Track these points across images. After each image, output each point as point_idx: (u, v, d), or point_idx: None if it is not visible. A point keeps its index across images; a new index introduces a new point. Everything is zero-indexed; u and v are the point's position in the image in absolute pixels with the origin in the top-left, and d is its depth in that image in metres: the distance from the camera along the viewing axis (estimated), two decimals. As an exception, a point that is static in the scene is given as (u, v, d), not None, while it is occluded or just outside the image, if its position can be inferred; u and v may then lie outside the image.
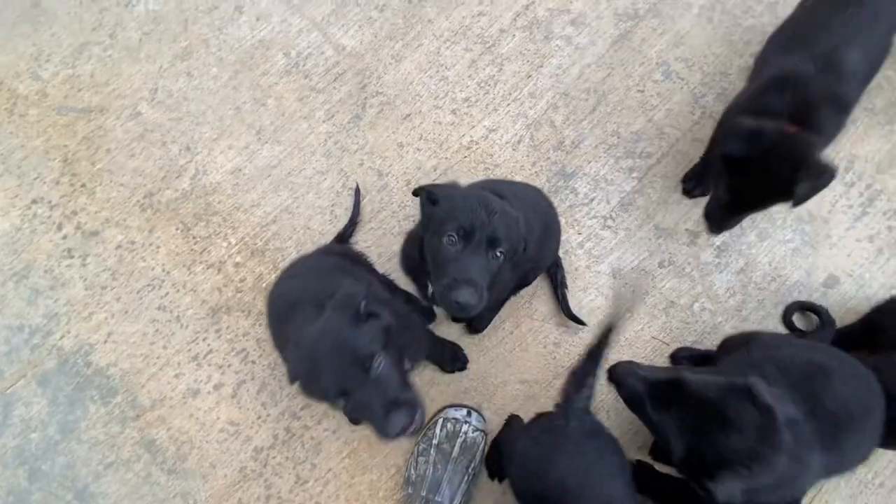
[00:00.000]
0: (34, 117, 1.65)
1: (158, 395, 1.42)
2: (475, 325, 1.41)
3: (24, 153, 1.62)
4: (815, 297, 1.40)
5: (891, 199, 1.46)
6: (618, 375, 1.00)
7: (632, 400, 0.99)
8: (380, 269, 1.49)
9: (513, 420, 1.31)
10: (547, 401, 1.40)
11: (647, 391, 0.95)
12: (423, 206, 1.03)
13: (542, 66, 1.63)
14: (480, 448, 1.29)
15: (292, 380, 0.90)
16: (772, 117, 1.09)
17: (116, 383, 1.43)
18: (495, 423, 1.38)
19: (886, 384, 1.05)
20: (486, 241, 0.95)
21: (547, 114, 1.59)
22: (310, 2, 1.73)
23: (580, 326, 1.42)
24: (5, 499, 1.34)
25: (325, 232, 1.54)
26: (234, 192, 1.58)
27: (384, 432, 0.85)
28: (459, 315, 0.96)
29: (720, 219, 1.25)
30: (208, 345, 1.46)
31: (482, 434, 1.31)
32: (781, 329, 1.39)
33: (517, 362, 1.43)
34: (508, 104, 1.60)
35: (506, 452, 1.21)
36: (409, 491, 1.25)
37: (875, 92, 1.54)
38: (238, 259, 1.53)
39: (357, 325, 0.88)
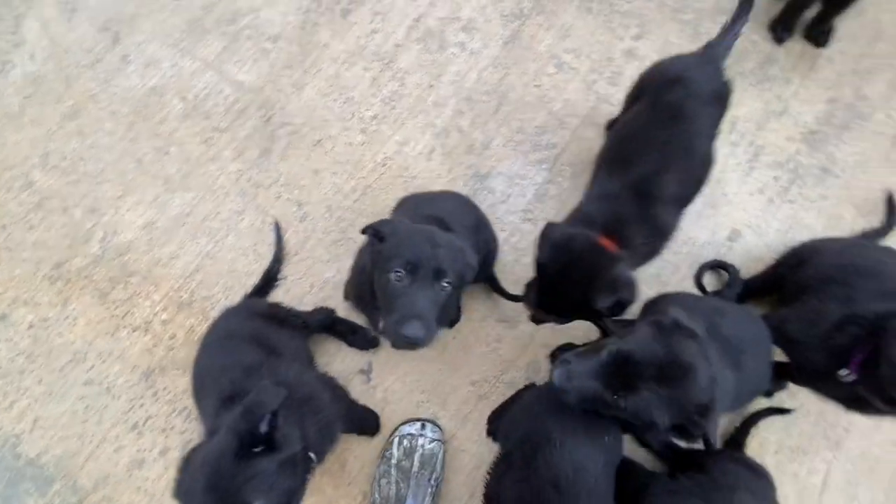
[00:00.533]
0: (-89, 205, 1.52)
1: (100, 475, 1.35)
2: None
3: None
4: (723, 253, 1.52)
5: (772, 153, 1.60)
6: (561, 382, 0.93)
7: (588, 400, 0.93)
8: (314, 297, 1.48)
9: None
10: (499, 398, 1.44)
11: (602, 384, 0.91)
12: (370, 243, 1.04)
13: (441, 75, 1.67)
14: (440, 458, 1.31)
15: (175, 497, 0.83)
16: (591, 228, 1.09)
17: (52, 471, 1.35)
18: (452, 429, 1.41)
19: (791, 331, 1.16)
20: (433, 274, 0.96)
21: (454, 120, 1.63)
22: (199, 42, 1.70)
23: (519, 320, 1.47)
24: None
25: (251, 272, 1.51)
26: (149, 247, 1.53)
27: None
28: (409, 349, 0.98)
29: (537, 317, 1.21)
30: (146, 410, 1.39)
31: (439, 444, 1.33)
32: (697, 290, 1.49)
33: (464, 366, 1.46)
34: (415, 116, 1.63)
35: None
36: (377, 514, 1.25)
37: (744, 55, 1.68)
38: (164, 316, 1.47)
39: (243, 459, 0.77)
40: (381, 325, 1.12)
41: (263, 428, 0.81)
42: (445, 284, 0.99)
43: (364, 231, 1.04)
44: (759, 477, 1.16)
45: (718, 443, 1.37)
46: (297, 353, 1.20)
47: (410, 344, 0.95)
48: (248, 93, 1.65)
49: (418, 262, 0.96)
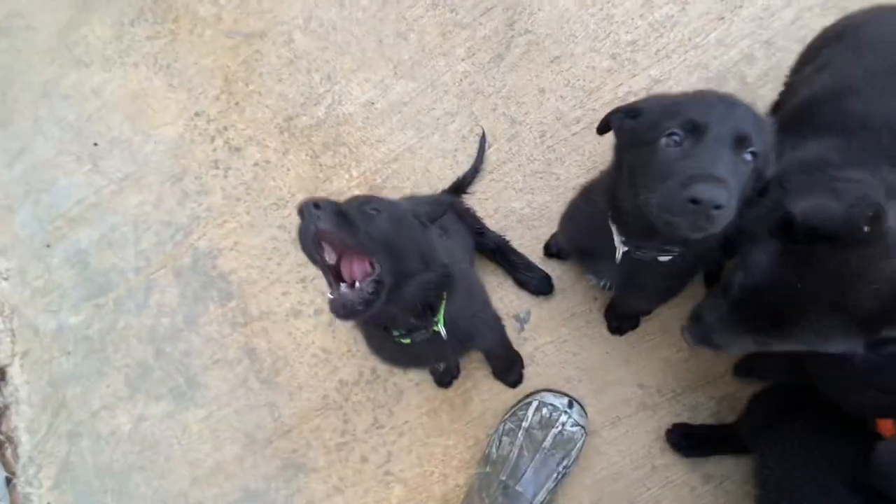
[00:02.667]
0: (208, 38, 1.80)
1: (266, 308, 1.48)
2: (621, 325, 1.20)
3: (196, 70, 1.78)
4: None
5: None
6: None
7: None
8: (494, 225, 1.35)
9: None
10: (669, 417, 1.15)
11: None
12: (618, 131, 0.78)
13: (740, 7, 1.29)
14: (577, 447, 1.10)
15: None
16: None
17: (234, 289, 1.52)
18: (597, 425, 1.18)
19: None
20: (732, 139, 0.64)
21: (737, 66, 1.26)
22: (469, -70, 1.60)
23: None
24: (135, 368, 1.52)
25: (444, 177, 1.44)
26: (363, 125, 1.56)
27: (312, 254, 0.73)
28: (698, 231, 0.63)
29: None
30: (315, 272, 1.46)
31: (582, 430, 1.11)
32: None
33: (638, 361, 1.19)
34: (686, 51, 1.31)
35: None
36: (487, 469, 1.12)
37: None
38: (356, 191, 1.51)
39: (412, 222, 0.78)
40: (619, 247, 0.82)
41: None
42: (749, 156, 0.65)
43: (609, 118, 0.76)
44: None
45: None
46: (465, 248, 1.12)
47: (703, 209, 0.60)
48: (500, -9, 1.52)
49: (706, 122, 0.64)
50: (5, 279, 1.69)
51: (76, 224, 1.70)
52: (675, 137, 0.66)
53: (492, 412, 1.26)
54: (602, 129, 0.80)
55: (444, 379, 1.27)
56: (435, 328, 0.80)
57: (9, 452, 1.50)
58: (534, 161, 1.38)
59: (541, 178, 1.36)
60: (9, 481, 1.45)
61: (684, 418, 1.14)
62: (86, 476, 1.48)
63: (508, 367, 1.22)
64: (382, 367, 1.35)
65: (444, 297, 0.80)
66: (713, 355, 1.14)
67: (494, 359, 1.23)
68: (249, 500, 1.36)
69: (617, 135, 0.79)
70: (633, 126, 0.74)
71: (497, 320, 1.04)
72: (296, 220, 1.53)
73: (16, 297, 1.67)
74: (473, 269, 1.16)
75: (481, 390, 1.28)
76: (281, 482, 1.35)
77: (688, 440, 1.12)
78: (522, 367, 1.24)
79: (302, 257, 1.46)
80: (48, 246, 1.70)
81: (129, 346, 1.55)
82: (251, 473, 1.37)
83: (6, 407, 1.54)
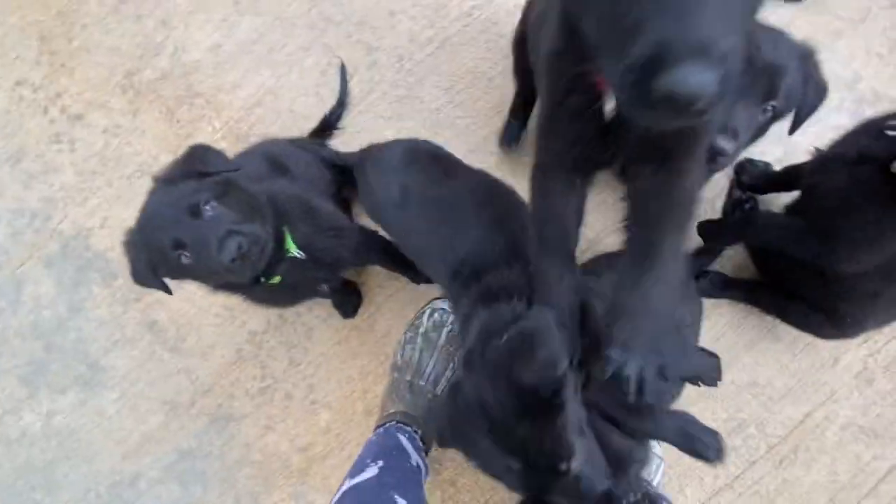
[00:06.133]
0: (5, -10, 1.54)
1: (155, 280, 1.44)
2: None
3: (3, 31, 1.53)
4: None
5: None
6: None
7: None
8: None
9: None
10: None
11: None
12: None
13: None
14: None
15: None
16: None
17: (115, 267, 1.46)
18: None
19: None
20: None
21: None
22: None
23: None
24: (26, 367, 1.45)
25: (310, 116, 1.42)
26: (214, 71, 1.47)
27: (218, 261, 0.81)
28: (670, 121, 0.45)
29: None
30: (199, 232, 1.44)
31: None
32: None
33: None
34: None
35: None
36: (396, 375, 1.26)
37: None
38: (224, 144, 1.45)
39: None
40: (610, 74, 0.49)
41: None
42: None
43: None
44: None
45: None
46: (314, 182, 1.17)
47: (680, 105, 0.38)
48: None
49: None
50: None
51: None
52: None
53: (396, 329, 1.37)
54: None
55: (348, 309, 1.36)
56: (289, 254, 0.87)
57: None
58: (397, 87, 1.40)
59: (406, 103, 1.40)
60: (-85, 506, 1.38)
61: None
62: (7, 480, 1.45)
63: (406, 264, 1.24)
64: (289, 312, 1.41)
65: (286, 229, 0.87)
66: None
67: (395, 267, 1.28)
68: (185, 459, 1.42)
69: None
70: None
71: (354, 231, 1.12)
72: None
73: None
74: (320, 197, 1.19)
75: (384, 312, 1.38)
76: (213, 434, 1.42)
77: None
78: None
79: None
80: None
81: (13, 346, 1.46)
82: (180, 435, 1.42)
83: None
